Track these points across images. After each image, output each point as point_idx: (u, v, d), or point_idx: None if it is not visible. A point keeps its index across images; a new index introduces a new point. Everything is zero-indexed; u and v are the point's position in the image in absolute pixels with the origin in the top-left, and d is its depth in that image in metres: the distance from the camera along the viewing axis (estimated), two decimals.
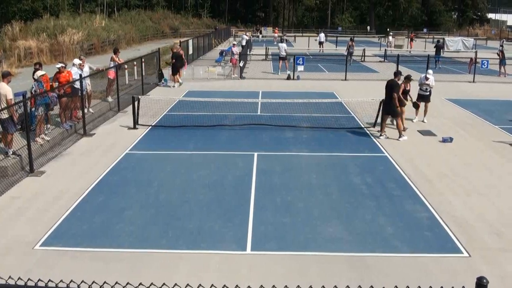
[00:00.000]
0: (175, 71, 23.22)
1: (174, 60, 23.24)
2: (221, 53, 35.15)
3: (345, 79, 26.56)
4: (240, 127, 15.08)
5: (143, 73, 21.38)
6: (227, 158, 11.88)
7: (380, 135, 14.30)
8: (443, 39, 50.57)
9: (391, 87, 13.91)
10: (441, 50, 35.69)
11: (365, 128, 15.14)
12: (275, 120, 16.10)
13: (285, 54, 28.62)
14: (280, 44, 29.49)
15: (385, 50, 39.02)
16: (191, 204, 9.00)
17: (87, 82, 15.51)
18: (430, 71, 16.28)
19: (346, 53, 34.25)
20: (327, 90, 23.04)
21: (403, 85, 14.68)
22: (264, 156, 12.16)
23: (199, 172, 10.76)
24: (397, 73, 14.32)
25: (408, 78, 14.86)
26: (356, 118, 16.59)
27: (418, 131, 15.37)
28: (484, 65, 27.66)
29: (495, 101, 21.37)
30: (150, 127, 15.04)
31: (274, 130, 14.88)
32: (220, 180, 10.30)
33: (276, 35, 56.64)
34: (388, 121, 15.49)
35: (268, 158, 11.96)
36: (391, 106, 13.90)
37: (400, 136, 14.08)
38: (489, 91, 24.11)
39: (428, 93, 16.38)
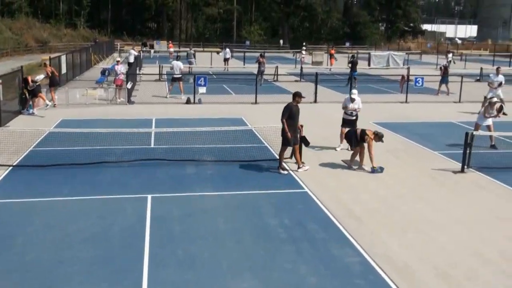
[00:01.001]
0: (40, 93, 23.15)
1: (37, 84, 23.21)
2: (103, 72, 34.68)
3: (255, 102, 27.18)
4: (129, 164, 14.98)
5: (1, 99, 20.53)
6: (113, 203, 11.74)
7: (298, 167, 14.68)
8: (369, 54, 53.35)
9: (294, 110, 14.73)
10: (356, 66, 37.52)
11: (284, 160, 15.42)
12: (172, 153, 16.11)
13: (180, 73, 29.00)
14: (174, 62, 29.75)
15: (301, 68, 40.63)
16: (68, 265, 8.72)
17: None
18: (354, 91, 16.82)
19: (256, 72, 35.18)
20: (235, 115, 23.45)
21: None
22: (160, 199, 12.11)
23: (78, 224, 10.49)
24: (296, 94, 14.76)
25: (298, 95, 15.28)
26: (270, 148, 17.00)
27: (342, 160, 15.94)
28: (419, 83, 29.33)
29: (431, 123, 22.74)
30: (11, 168, 14.44)
31: (172, 166, 14.88)
32: (104, 232, 10.13)
33: (171, 49, 56.97)
34: (315, 150, 15.91)
35: (165, 201, 11.93)
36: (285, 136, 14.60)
37: (299, 167, 14.58)
38: (425, 112, 25.62)
39: (354, 117, 17.04)
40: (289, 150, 15.56)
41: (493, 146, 18.03)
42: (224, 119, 22.36)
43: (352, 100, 16.66)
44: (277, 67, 39.52)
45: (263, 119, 22.19)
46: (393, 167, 15.43)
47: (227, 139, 17.87)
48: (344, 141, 16.89)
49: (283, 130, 14.37)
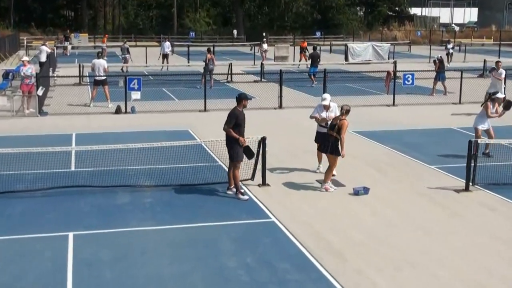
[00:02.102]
0: None
1: None
2: (6, 75, 34.21)
3: (205, 110, 27.33)
4: (43, 193, 14.83)
5: None
6: (25, 244, 11.57)
7: (237, 192, 14.81)
8: (345, 46, 53.84)
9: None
10: (318, 60, 38.25)
11: (241, 182, 15.41)
12: (99, 178, 16.02)
13: (104, 75, 28.86)
14: (95, 61, 29.48)
15: (262, 65, 40.94)
16: None
17: None
18: (326, 95, 16.59)
19: (203, 71, 35.37)
20: (179, 127, 23.46)
21: None
22: (84, 237, 12.03)
23: None
24: (241, 97, 14.87)
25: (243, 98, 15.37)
26: (225, 167, 16.94)
27: (317, 181, 16.03)
28: (408, 81, 29.72)
29: (425, 130, 23.16)
30: None
31: (99, 195, 14.81)
32: (14, 282, 9.93)
33: (104, 45, 56.50)
34: (282, 167, 15.95)
35: (92, 240, 11.84)
36: (231, 147, 14.66)
37: (236, 193, 14.61)
38: (417, 117, 26.08)
39: None
40: (250, 167, 15.65)
41: (486, 154, 18.44)
42: (166, 132, 22.34)
43: (326, 107, 16.42)
44: (230, 65, 39.58)
45: (214, 130, 21.72)
46: (380, 187, 15.58)
47: (170, 158, 17.73)
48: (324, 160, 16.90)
49: (229, 140, 14.59)
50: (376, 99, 30.64)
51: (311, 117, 16.78)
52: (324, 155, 15.95)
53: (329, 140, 15.16)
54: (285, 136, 21.74)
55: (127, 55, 44.75)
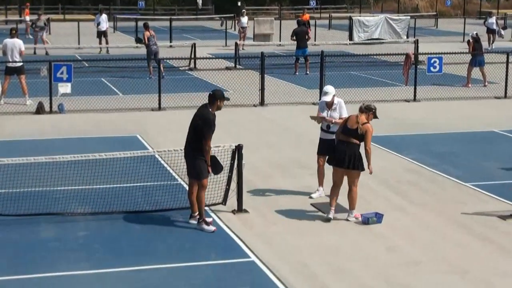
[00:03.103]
0: None
1: None
2: None
3: (159, 108, 27.62)
4: None
5: None
6: None
7: (200, 220, 14.80)
8: (349, 19, 53.74)
9: (197, 121, 14.69)
10: (307, 38, 38.31)
11: (208, 208, 15.44)
12: (13, 203, 15.76)
13: (20, 60, 28.53)
14: (7, 41, 28.52)
15: (237, 45, 40.84)
16: None
17: None
18: (328, 88, 16.49)
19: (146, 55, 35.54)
20: (124, 131, 23.63)
21: None
22: None
23: None
24: (217, 96, 14.65)
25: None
26: (187, 187, 16.78)
27: (313, 205, 16.14)
28: (434, 67, 29.87)
29: (457, 135, 23.30)
30: None
31: (13, 226, 14.68)
32: None
33: (27, 18, 56.08)
34: (265, 187, 15.89)
35: None
36: (195, 160, 14.71)
37: (200, 222, 14.66)
38: (445, 116, 26.26)
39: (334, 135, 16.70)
40: (220, 187, 15.70)
41: None
42: (106, 139, 22.37)
43: (329, 105, 16.29)
44: (193, 46, 39.63)
45: (172, 136, 22.21)
46: (398, 213, 15.61)
47: (112, 175, 17.60)
48: (324, 183, 16.82)
49: (192, 150, 14.63)
50: (392, 92, 30.65)
51: (312, 117, 16.84)
52: (329, 172, 15.87)
53: (344, 150, 14.90)
54: (269, 144, 21.75)
55: (40, 33, 44.60)
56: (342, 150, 14.92)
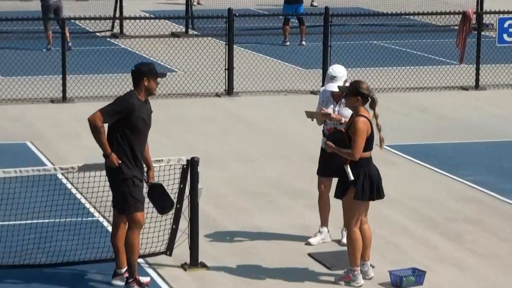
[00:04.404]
0: None
1: None
2: None
3: (63, 98, 27.96)
4: None
5: None
6: None
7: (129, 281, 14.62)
8: None
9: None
10: None
11: (143, 260, 14.94)
12: None
13: None
14: None
15: None
16: None
17: None
18: (336, 68, 16.66)
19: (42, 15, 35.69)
20: (9, 134, 23.56)
21: None
22: None
23: None
24: (143, 71, 14.27)
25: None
26: (108, 227, 16.71)
27: (311, 255, 15.70)
28: (510, 35, 30.01)
29: None
30: None
31: None
32: None
33: None
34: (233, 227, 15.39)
35: None
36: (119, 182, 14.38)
37: (129, 284, 14.45)
38: None
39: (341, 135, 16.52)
40: (163, 228, 15.29)
41: None
42: None
43: (337, 96, 16.04)
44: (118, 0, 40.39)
45: (83, 143, 22.08)
46: (452, 269, 15.31)
47: None
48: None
49: (109, 167, 14.28)
50: (439, 74, 30.88)
51: (309, 113, 16.39)
52: (337, 203, 15.50)
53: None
54: (240, 157, 21.64)
55: None
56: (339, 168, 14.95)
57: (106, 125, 14.12)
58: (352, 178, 14.19)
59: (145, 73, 14.19)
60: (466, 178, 20.04)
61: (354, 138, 14.15)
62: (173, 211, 15.08)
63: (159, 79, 14.42)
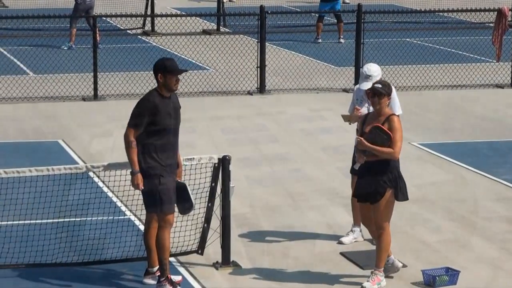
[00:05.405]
0: None
1: None
2: None
3: (95, 96, 27.76)
4: None
5: None
6: None
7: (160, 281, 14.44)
8: None
9: None
10: None
11: (174, 259, 15.13)
12: None
13: None
14: None
15: None
16: None
17: None
18: (371, 67, 16.62)
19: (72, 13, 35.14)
20: (39, 134, 23.49)
21: None
22: None
23: None
24: (162, 68, 14.27)
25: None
26: (141, 226, 16.81)
27: (343, 254, 15.76)
28: None
29: None
30: None
31: None
32: None
33: None
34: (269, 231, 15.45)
35: None
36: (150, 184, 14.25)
37: (161, 283, 14.36)
38: None
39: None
40: (195, 228, 15.24)
41: None
42: (7, 146, 22.25)
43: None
44: None
45: (115, 142, 21.74)
46: (488, 270, 15.23)
47: (16, 204, 16.99)
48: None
49: (132, 174, 14.34)
50: (473, 71, 30.60)
51: (345, 117, 16.48)
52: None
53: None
54: (273, 157, 21.49)
55: None
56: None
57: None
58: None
59: (160, 69, 14.18)
60: (502, 177, 19.99)
61: (395, 136, 14.10)
62: (204, 209, 15.10)
63: (180, 75, 14.31)
